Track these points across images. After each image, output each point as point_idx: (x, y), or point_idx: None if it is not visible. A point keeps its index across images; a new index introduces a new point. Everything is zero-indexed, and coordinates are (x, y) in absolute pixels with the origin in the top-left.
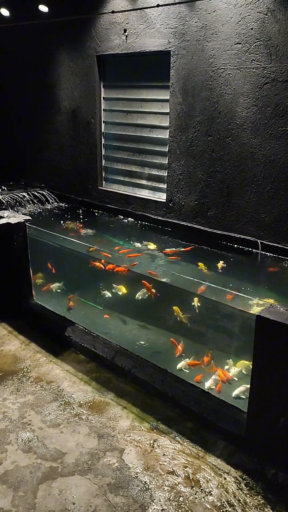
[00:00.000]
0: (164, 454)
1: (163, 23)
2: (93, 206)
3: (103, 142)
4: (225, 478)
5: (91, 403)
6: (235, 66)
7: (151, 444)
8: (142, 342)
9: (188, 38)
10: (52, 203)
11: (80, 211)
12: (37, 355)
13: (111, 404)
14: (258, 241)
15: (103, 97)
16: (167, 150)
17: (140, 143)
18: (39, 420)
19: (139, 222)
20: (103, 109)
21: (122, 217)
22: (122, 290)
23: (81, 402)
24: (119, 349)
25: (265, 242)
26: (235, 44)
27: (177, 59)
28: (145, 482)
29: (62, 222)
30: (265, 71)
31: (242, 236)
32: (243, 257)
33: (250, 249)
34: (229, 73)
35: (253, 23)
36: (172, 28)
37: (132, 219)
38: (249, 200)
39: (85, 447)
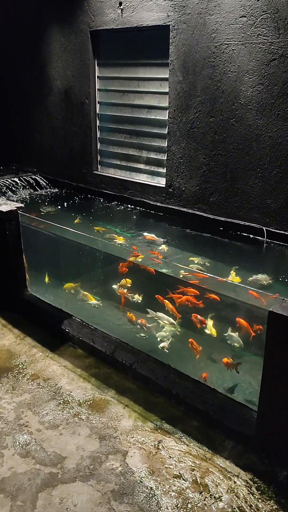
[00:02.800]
0: (169, 457)
1: None
2: (88, 192)
3: (98, 124)
4: (235, 482)
5: (91, 402)
6: (239, 41)
7: (156, 446)
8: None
9: (189, 11)
10: (45, 188)
11: (76, 198)
12: (33, 350)
13: (112, 403)
14: (264, 228)
15: (97, 76)
16: (166, 132)
17: (138, 125)
18: (36, 421)
19: (137, 208)
20: (98, 89)
21: (119, 203)
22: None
23: (81, 400)
24: (119, 343)
25: (271, 229)
26: (240, 17)
27: (177, 34)
28: (150, 487)
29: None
30: (272, 47)
31: (247, 223)
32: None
33: (255, 236)
34: (233, 49)
35: None
36: (172, 1)
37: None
38: (254, 185)
39: (86, 450)
